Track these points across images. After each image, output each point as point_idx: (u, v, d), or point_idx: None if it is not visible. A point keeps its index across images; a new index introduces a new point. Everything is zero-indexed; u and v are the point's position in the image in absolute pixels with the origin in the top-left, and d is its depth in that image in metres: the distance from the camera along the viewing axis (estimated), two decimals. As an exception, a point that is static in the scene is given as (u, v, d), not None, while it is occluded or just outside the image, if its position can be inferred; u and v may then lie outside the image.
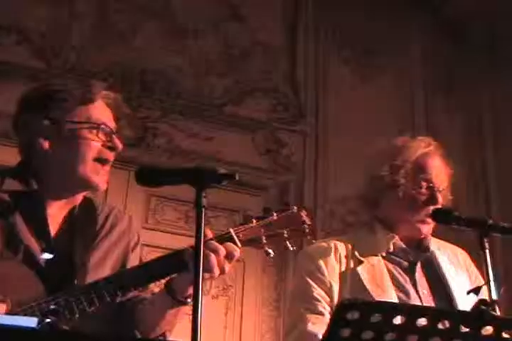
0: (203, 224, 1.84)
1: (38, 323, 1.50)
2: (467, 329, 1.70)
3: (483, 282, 2.24)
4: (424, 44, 6.49)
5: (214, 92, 5.54)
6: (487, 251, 2.26)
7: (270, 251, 2.14)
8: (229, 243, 2.08)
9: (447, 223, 2.47)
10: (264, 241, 2.13)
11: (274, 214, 2.16)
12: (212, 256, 2.02)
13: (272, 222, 2.15)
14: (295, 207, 2.19)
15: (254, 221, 2.14)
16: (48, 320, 1.51)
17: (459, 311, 2.11)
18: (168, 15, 5.64)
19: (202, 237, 1.82)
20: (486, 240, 2.29)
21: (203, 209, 1.85)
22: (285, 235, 2.15)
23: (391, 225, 2.64)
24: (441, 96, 6.39)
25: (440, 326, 1.69)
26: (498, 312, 2.07)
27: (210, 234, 2.07)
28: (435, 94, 6.38)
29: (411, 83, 6.34)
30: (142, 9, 5.59)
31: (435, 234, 2.73)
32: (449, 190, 2.67)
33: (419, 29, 6.51)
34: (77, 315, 1.98)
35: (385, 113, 6.01)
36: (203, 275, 1.91)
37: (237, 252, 2.08)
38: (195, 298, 1.74)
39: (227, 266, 2.07)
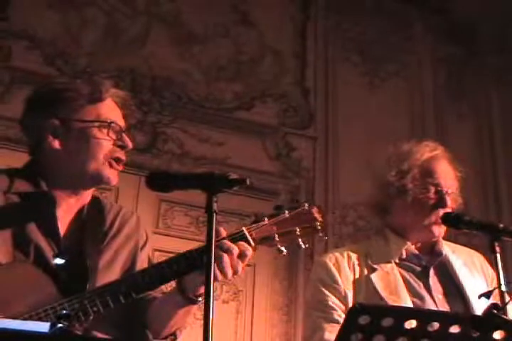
0: (214, 229, 1.84)
1: (50, 328, 1.51)
2: (478, 334, 1.70)
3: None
4: (435, 49, 6.49)
5: (224, 97, 5.55)
6: (498, 255, 2.26)
7: (283, 249, 2.13)
8: (241, 242, 2.08)
9: (458, 227, 2.47)
10: (277, 239, 2.12)
11: (286, 211, 2.15)
12: (225, 257, 2.02)
13: (283, 219, 2.14)
14: (306, 205, 2.18)
15: (266, 219, 2.14)
16: (60, 325, 1.51)
17: (470, 315, 2.11)
18: (178, 21, 5.66)
19: (213, 242, 1.82)
20: (496, 244, 2.28)
21: (214, 214, 1.86)
22: (297, 232, 2.14)
23: (402, 231, 2.65)
24: (451, 101, 6.38)
25: (451, 330, 1.69)
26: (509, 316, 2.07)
27: (223, 233, 2.08)
28: (446, 99, 6.37)
29: (421, 88, 6.33)
30: (152, 15, 5.61)
31: (450, 238, 2.73)
32: (459, 193, 2.66)
33: (429, 34, 6.52)
34: (91, 317, 2.00)
35: (396, 117, 6.01)
36: (216, 276, 1.96)
37: (249, 251, 2.07)
38: (207, 303, 1.74)
39: (240, 266, 2.07)
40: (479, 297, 2.24)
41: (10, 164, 4.54)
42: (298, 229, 2.14)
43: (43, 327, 1.53)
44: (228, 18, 5.85)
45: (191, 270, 2.06)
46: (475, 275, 2.65)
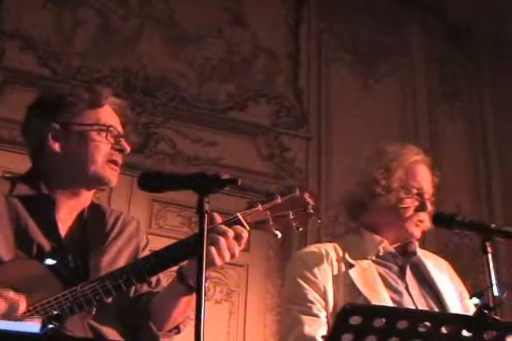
0: (205, 230, 1.85)
1: (41, 329, 1.51)
2: (469, 334, 1.70)
3: (479, 285, 2.25)
4: (429, 50, 6.50)
5: (217, 98, 5.55)
6: (489, 255, 2.27)
7: (278, 232, 2.17)
8: (237, 225, 2.12)
9: (450, 227, 2.49)
10: (271, 223, 2.16)
11: (278, 197, 2.19)
12: (222, 239, 2.06)
13: (276, 204, 2.18)
14: (298, 190, 2.22)
15: (260, 205, 2.17)
16: (51, 326, 1.51)
17: (462, 316, 2.11)
18: (171, 21, 5.66)
19: (205, 243, 1.83)
20: (488, 244, 2.30)
21: (206, 215, 1.86)
22: (291, 216, 2.18)
23: (378, 229, 2.66)
24: (444, 102, 6.40)
25: (443, 330, 1.70)
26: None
27: (219, 219, 2.12)
28: (439, 99, 6.39)
29: (414, 89, 6.34)
30: (145, 15, 5.60)
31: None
32: (433, 198, 2.70)
33: (423, 35, 6.53)
34: (94, 307, 2.05)
35: (388, 118, 6.02)
36: (214, 260, 2.03)
37: (245, 234, 2.11)
38: (198, 303, 1.74)
39: (237, 249, 2.10)
40: (471, 297, 2.25)
41: (3, 164, 4.55)
42: (291, 213, 2.18)
43: (34, 327, 1.53)
44: (221, 18, 5.85)
45: (190, 256, 2.08)
46: (444, 277, 2.67)
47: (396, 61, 6.37)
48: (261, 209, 2.16)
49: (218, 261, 2.07)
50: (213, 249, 2.05)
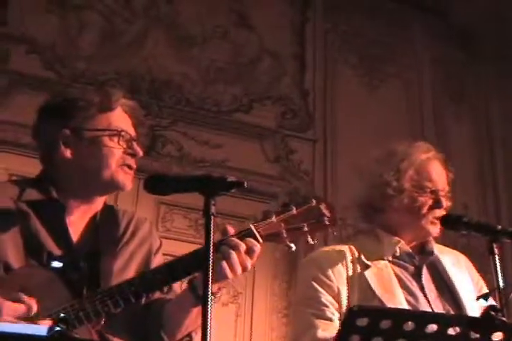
0: (212, 232, 1.84)
1: (48, 331, 1.51)
2: (477, 335, 1.70)
3: (486, 285, 2.24)
4: (434, 51, 6.50)
5: (223, 100, 5.56)
6: (496, 256, 2.27)
7: (292, 245, 2.14)
8: (249, 238, 2.09)
9: (456, 229, 2.48)
10: (285, 235, 2.13)
11: (294, 208, 2.16)
12: (233, 253, 2.04)
13: (291, 216, 2.15)
14: (314, 201, 2.18)
15: (274, 216, 2.14)
16: (58, 328, 1.51)
17: (469, 317, 2.11)
18: (176, 23, 5.67)
19: (211, 245, 1.83)
20: (495, 245, 2.29)
21: (212, 217, 1.86)
22: (305, 228, 2.14)
23: (396, 230, 2.63)
24: (450, 103, 6.39)
25: (450, 332, 1.69)
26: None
27: (231, 231, 2.10)
28: (444, 100, 6.38)
29: (420, 90, 6.34)
30: (150, 18, 5.61)
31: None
32: (449, 194, 2.67)
33: (428, 37, 6.52)
34: (103, 318, 2.03)
35: (394, 119, 6.02)
36: (225, 274, 2.02)
37: (257, 247, 2.09)
38: (204, 307, 1.74)
39: (249, 263, 2.08)
40: (477, 299, 2.25)
41: (8, 167, 4.56)
42: (306, 225, 2.14)
43: (41, 330, 1.53)
44: (227, 20, 5.85)
45: (201, 267, 2.03)
46: (463, 276, 2.65)
47: (401, 62, 6.37)
48: (275, 220, 2.13)
49: (230, 275, 2.05)
50: (225, 263, 2.03)
